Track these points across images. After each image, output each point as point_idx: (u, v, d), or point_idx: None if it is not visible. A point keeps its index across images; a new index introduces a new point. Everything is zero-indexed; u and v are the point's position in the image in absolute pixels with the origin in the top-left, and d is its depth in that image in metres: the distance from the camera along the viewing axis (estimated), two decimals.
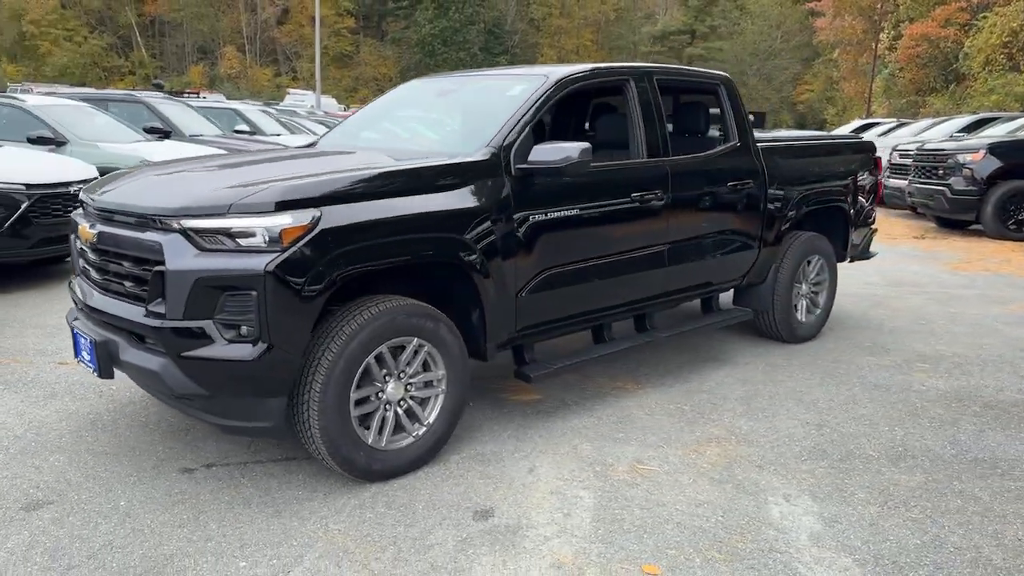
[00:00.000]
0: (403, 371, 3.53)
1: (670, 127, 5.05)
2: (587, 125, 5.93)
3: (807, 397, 4.74)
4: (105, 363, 3.41)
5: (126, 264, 3.39)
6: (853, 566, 2.94)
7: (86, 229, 3.60)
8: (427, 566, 2.90)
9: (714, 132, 5.42)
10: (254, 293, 3.05)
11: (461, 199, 3.67)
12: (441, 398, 3.69)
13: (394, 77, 61.87)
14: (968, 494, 3.52)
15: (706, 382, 4.97)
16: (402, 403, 3.56)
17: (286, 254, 3.09)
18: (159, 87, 50.56)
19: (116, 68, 61.27)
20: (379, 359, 3.41)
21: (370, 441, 3.44)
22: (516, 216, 3.84)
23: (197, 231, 3.12)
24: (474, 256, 3.67)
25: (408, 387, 3.57)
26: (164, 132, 10.22)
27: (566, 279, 4.15)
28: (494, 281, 3.78)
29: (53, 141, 8.56)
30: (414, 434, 3.61)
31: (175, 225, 3.15)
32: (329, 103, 40.35)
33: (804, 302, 5.90)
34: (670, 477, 3.64)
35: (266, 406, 3.25)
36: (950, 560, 2.99)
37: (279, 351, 3.13)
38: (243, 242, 3.11)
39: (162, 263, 3.13)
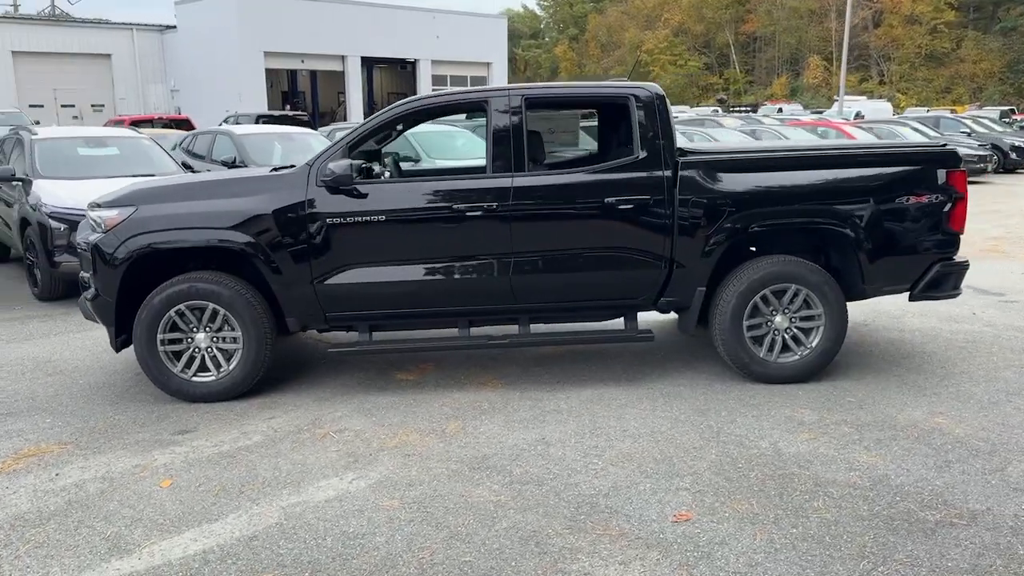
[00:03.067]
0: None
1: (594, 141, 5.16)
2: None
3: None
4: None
5: None
6: None
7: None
8: None
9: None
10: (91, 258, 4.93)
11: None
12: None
13: (996, 72, 54.26)
14: None
15: (553, 393, 4.99)
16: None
17: (106, 235, 4.87)
18: (722, 102, 53.66)
19: (710, 85, 67.36)
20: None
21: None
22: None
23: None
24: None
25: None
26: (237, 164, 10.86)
27: (368, 275, 4.94)
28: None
29: (237, 164, 10.62)
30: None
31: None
32: (882, 107, 38.13)
33: (779, 337, 5.08)
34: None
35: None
36: None
37: (101, 298, 4.93)
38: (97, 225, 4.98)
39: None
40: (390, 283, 4.95)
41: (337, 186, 4.83)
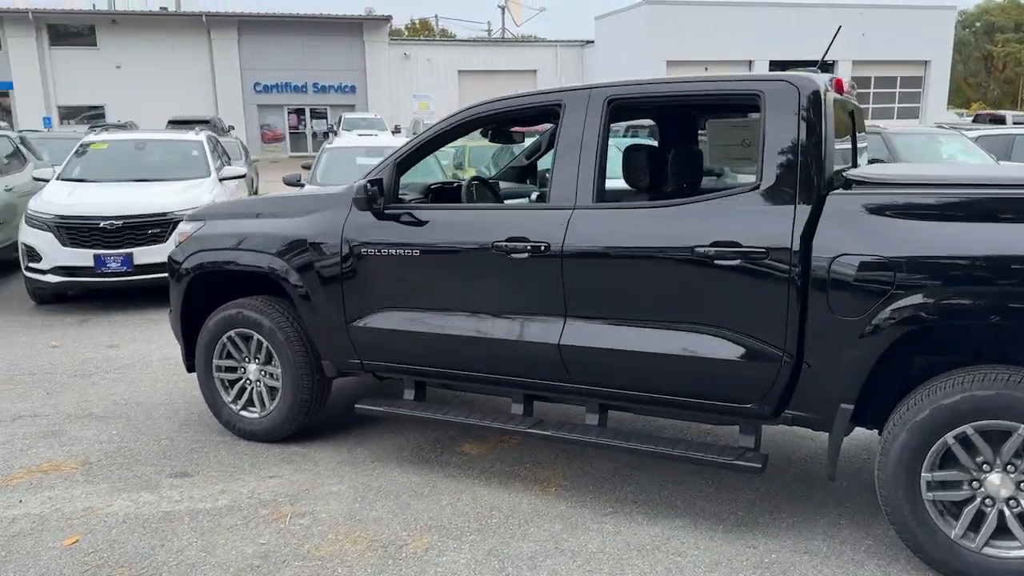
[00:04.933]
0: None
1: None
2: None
3: None
4: None
5: None
6: None
7: None
8: None
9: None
10: None
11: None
12: None
13: None
14: None
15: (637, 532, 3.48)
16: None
17: (176, 248, 4.65)
18: None
19: None
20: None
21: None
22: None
23: None
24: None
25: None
26: None
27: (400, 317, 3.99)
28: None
29: None
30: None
31: None
32: None
33: (993, 510, 2.91)
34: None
35: None
36: None
37: (173, 313, 4.72)
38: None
39: None
40: (419, 334, 3.92)
41: (367, 211, 3.94)
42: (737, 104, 3.48)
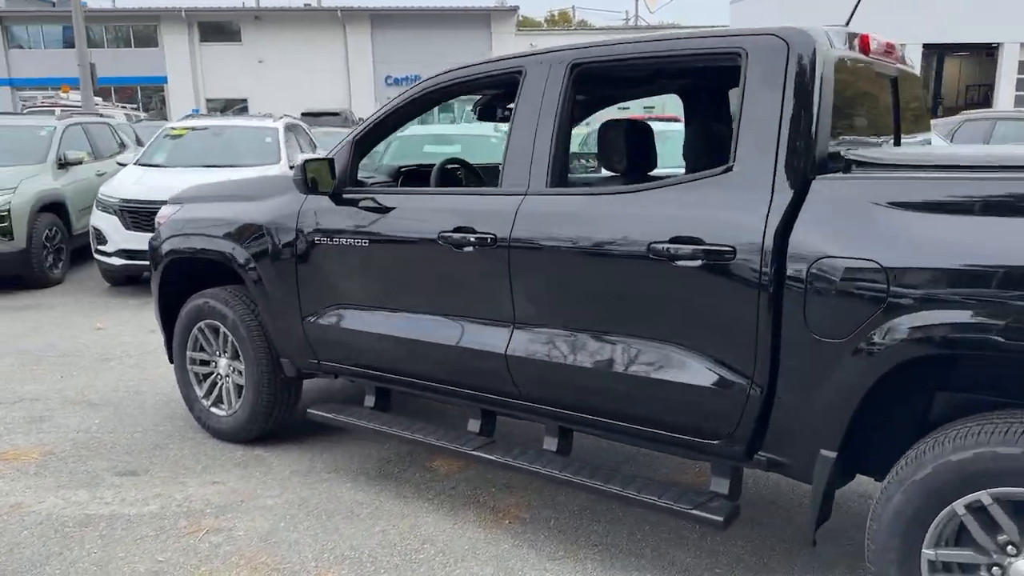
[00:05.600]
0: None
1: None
2: None
3: None
4: None
5: None
6: None
7: None
8: None
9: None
10: None
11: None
12: None
13: None
14: None
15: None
16: None
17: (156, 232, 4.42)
18: None
19: None
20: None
21: None
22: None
23: None
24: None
25: None
26: None
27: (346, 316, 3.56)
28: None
29: None
30: None
31: None
32: None
33: None
34: None
35: None
36: None
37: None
38: None
39: None
40: (369, 335, 3.48)
41: (320, 195, 3.53)
42: (720, 66, 2.79)
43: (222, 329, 4.05)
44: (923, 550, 2.23)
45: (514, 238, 2.95)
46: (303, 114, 25.82)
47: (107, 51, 37.77)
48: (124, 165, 9.07)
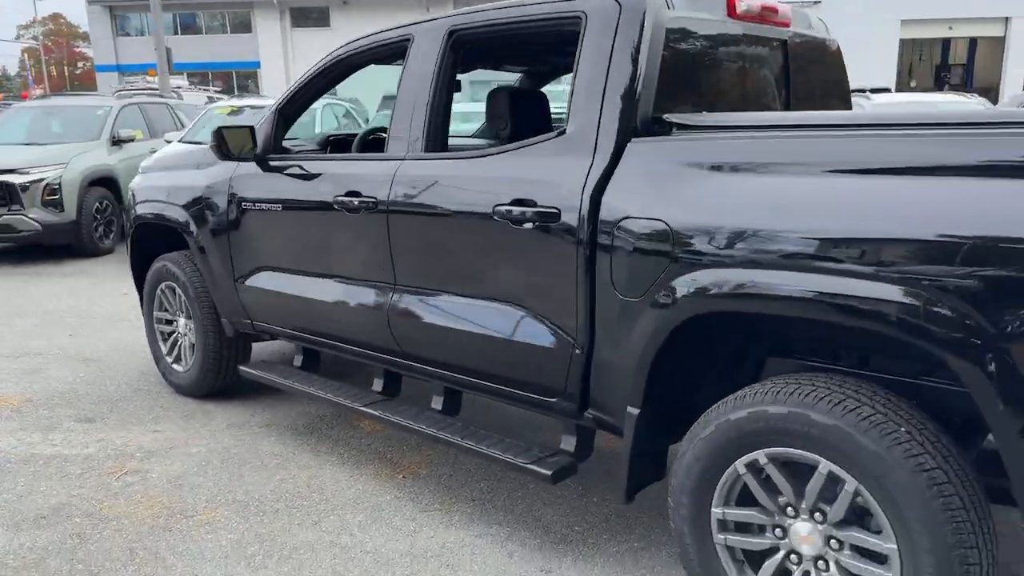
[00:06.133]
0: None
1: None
2: None
3: None
4: None
5: None
6: None
7: None
8: None
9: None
10: None
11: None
12: None
13: None
14: None
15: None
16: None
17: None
18: None
19: None
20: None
21: None
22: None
23: None
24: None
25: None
26: None
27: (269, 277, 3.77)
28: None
29: None
30: None
31: None
32: None
33: (798, 569, 2.15)
34: None
35: None
36: None
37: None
38: None
39: None
40: (284, 295, 3.68)
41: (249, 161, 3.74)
42: (568, 32, 2.78)
43: (178, 290, 4.33)
44: (712, 509, 2.25)
45: (391, 202, 3.06)
46: (384, 97, 26.42)
47: (205, 38, 39.63)
48: (170, 142, 9.58)
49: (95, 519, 3.10)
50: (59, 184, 8.63)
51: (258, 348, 4.57)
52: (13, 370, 5.00)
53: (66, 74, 75.29)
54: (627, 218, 2.34)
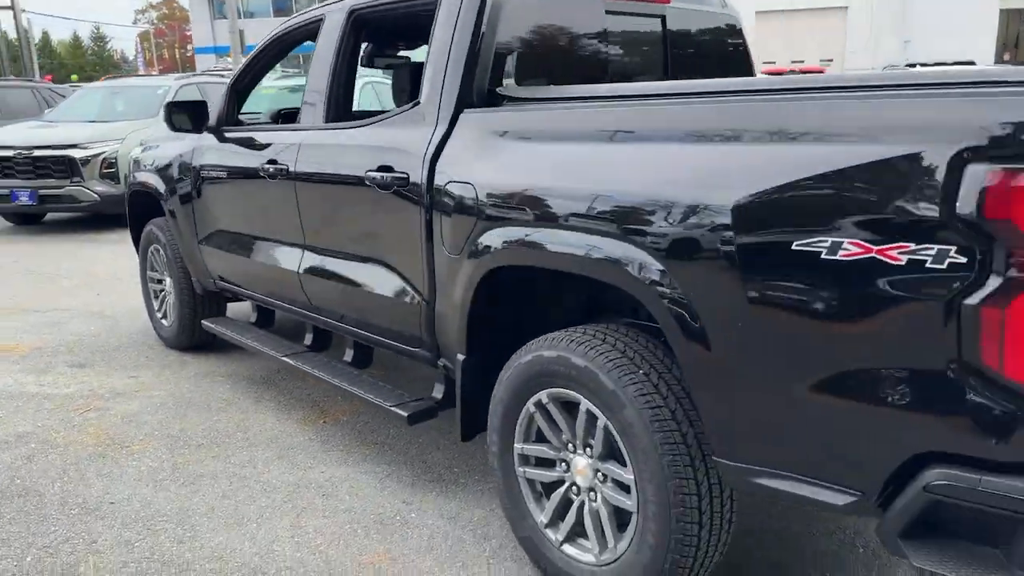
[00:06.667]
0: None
1: None
2: None
3: None
4: None
5: None
6: None
7: None
8: None
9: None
10: None
11: None
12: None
13: None
14: None
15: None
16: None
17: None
18: None
19: None
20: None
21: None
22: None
23: None
24: None
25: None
26: None
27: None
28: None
29: None
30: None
31: None
32: None
33: (577, 502, 2.38)
34: None
35: None
36: None
37: None
38: None
39: None
40: (232, 256, 4.06)
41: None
42: (422, 10, 2.97)
43: (161, 251, 4.78)
44: (515, 445, 2.48)
45: (296, 170, 3.37)
46: None
47: None
48: None
49: (47, 445, 3.56)
50: (115, 158, 9.35)
51: (237, 307, 4.98)
52: (39, 323, 5.59)
53: (177, 56, 79.03)
54: (450, 182, 2.57)
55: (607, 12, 2.99)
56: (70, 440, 3.61)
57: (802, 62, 36.87)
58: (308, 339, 3.84)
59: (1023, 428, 1.49)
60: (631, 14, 3.06)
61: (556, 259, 2.23)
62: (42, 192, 9.24)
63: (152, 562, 2.64)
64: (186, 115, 4.00)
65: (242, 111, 4.21)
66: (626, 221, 2.00)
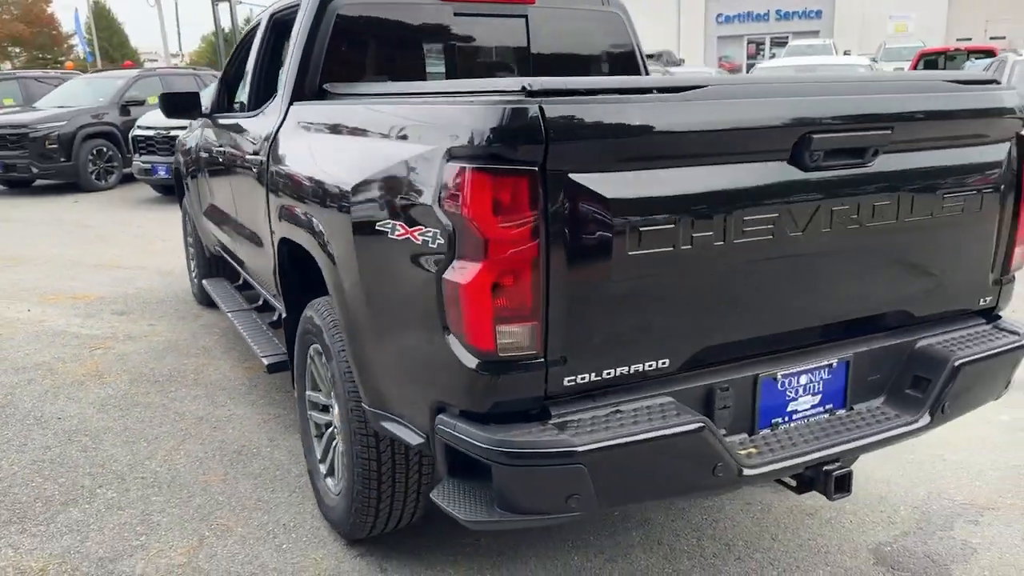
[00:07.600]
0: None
1: None
2: None
3: None
4: None
5: None
6: None
7: None
8: None
9: None
10: None
11: None
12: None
13: None
14: None
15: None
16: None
17: None
18: None
19: None
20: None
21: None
22: None
23: None
24: None
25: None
26: None
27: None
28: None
29: None
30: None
31: None
32: None
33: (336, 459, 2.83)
34: None
35: None
36: None
37: None
38: None
39: None
40: (214, 226, 4.74)
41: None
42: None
43: (188, 220, 5.60)
44: (307, 392, 2.93)
45: (224, 151, 3.97)
46: None
47: None
48: None
49: (49, 372, 4.42)
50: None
51: None
52: (118, 277, 6.64)
53: None
54: (271, 164, 3.04)
55: (456, 15, 3.32)
56: (67, 370, 4.45)
57: (1003, 38, 33.45)
58: (260, 302, 4.45)
59: (486, 386, 1.76)
60: (484, 15, 3.36)
61: (294, 232, 2.66)
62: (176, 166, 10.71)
63: (52, 463, 3.34)
64: (181, 104, 4.70)
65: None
66: (315, 198, 2.40)
